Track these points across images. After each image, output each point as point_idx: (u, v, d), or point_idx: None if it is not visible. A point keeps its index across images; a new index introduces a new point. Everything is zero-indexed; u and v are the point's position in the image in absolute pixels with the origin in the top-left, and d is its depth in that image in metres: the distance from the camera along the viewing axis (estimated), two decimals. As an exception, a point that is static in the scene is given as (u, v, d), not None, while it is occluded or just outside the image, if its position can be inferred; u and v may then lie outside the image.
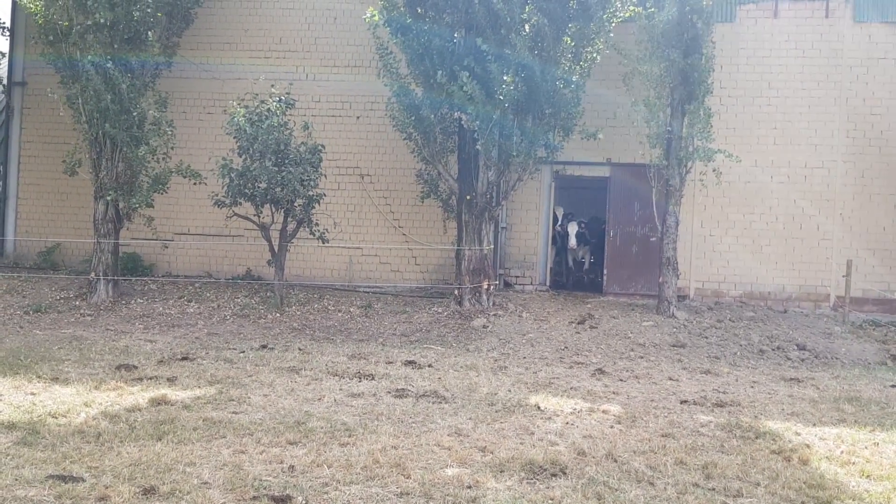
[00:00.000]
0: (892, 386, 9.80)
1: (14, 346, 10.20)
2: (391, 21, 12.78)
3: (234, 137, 13.01)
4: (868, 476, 6.14)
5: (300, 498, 5.19)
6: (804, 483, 5.86)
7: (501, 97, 12.12)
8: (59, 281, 14.46)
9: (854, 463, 6.43)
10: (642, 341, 11.82)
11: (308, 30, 15.61)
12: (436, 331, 12.32)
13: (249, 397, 7.83)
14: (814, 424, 7.67)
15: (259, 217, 13.21)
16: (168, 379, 8.50)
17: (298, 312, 13.24)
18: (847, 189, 14.48)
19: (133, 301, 13.60)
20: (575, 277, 16.52)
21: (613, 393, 8.76)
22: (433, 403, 7.86)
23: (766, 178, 14.62)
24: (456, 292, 13.66)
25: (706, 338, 12.17)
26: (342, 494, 5.29)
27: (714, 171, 13.24)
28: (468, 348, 11.27)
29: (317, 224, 13.53)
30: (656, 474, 5.94)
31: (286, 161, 12.85)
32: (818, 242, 14.52)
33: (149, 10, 13.12)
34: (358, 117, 15.46)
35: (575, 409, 7.85)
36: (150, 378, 8.52)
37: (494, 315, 12.95)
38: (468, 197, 13.35)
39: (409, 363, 9.91)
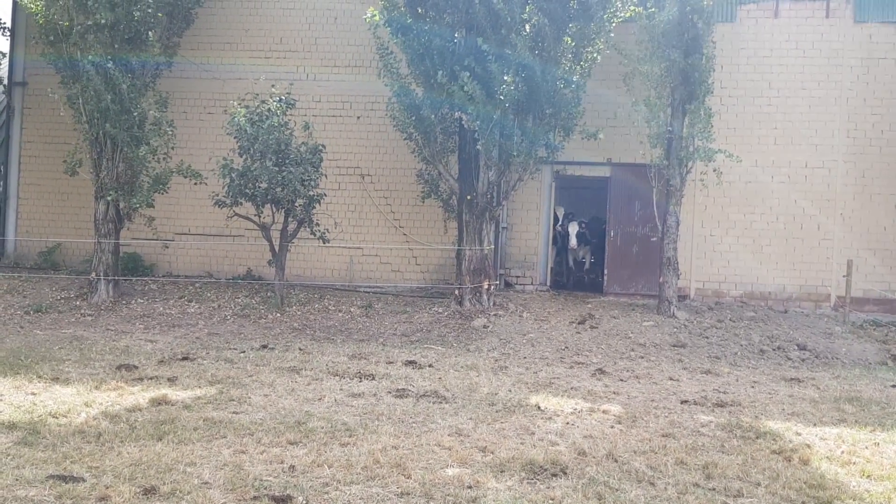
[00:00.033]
0: (893, 386, 9.80)
1: (15, 345, 10.20)
2: (392, 21, 12.78)
3: (235, 137, 13.02)
4: (869, 476, 6.13)
5: (301, 498, 5.19)
6: (805, 483, 5.86)
7: (502, 97, 12.12)
8: (60, 281, 14.46)
9: (855, 463, 6.43)
10: (643, 341, 11.82)
11: (308, 30, 15.61)
12: (436, 331, 12.32)
13: (250, 397, 7.83)
14: (814, 424, 7.67)
15: (260, 217, 13.21)
16: (168, 379, 8.50)
17: (299, 312, 13.24)
18: (847, 189, 14.48)
19: (133, 301, 13.61)
20: (575, 277, 16.52)
21: (614, 393, 8.76)
22: (434, 403, 7.86)
23: (767, 177, 14.62)
24: (456, 292, 13.66)
25: (707, 338, 12.16)
26: (343, 494, 5.29)
27: (714, 171, 13.23)
28: (469, 348, 11.27)
29: (317, 224, 13.53)
30: (657, 474, 5.94)
31: (287, 161, 12.85)
32: (819, 242, 14.52)
33: (149, 11, 13.12)
34: (358, 117, 15.46)
35: (575, 409, 7.85)
36: (151, 378, 8.52)
37: (495, 315, 12.95)
38: (469, 197, 13.35)
39: (410, 363, 9.91)
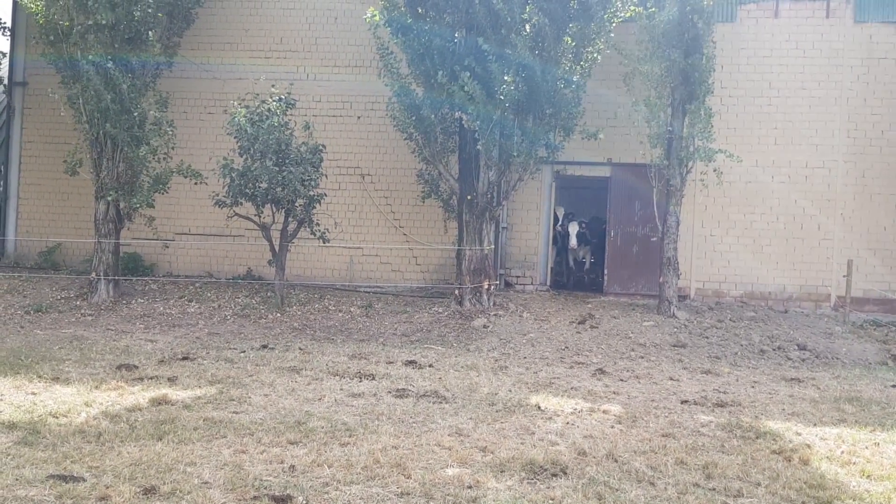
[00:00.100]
0: (893, 386, 9.79)
1: (15, 345, 10.21)
2: (392, 21, 12.79)
3: (235, 137, 13.02)
4: (869, 476, 6.13)
5: (301, 498, 5.19)
6: (805, 483, 5.85)
7: (502, 97, 12.12)
8: (60, 281, 14.47)
9: (855, 463, 6.43)
10: (643, 341, 11.82)
11: (309, 30, 15.62)
12: (436, 331, 12.32)
13: (250, 397, 7.83)
14: (814, 424, 7.67)
15: (260, 217, 13.21)
16: (169, 379, 8.50)
17: (299, 312, 13.24)
18: (848, 189, 14.48)
19: (134, 301, 13.61)
20: (576, 277, 16.52)
21: (614, 393, 8.76)
22: (434, 403, 7.86)
23: (767, 177, 14.62)
24: (456, 292, 13.66)
25: (707, 338, 12.16)
26: (343, 494, 5.29)
27: (715, 170, 13.23)
28: (469, 348, 11.27)
29: (317, 224, 13.53)
30: (657, 474, 5.94)
31: (287, 161, 12.86)
32: (819, 242, 14.52)
33: (149, 11, 13.11)
34: (359, 117, 15.46)
35: (575, 409, 7.85)
36: (151, 378, 8.52)
37: (495, 315, 12.95)
38: (469, 197, 13.35)
39: (410, 363, 9.91)
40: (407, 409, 7.60)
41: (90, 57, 12.92)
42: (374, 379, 8.90)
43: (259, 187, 12.76)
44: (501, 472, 5.85)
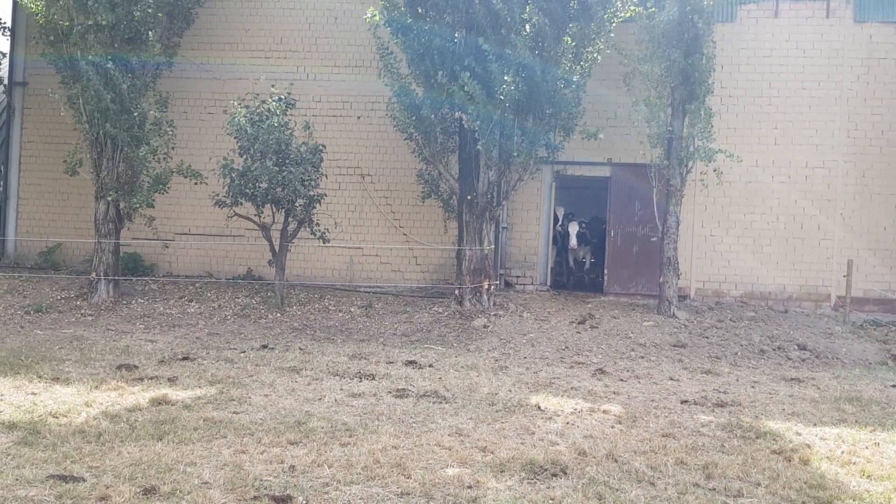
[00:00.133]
0: (893, 386, 9.79)
1: (15, 345, 10.21)
2: (392, 21, 12.79)
3: (235, 137, 13.02)
4: (869, 476, 6.13)
5: (301, 498, 5.19)
6: (805, 483, 5.85)
7: (502, 97, 12.12)
8: (60, 281, 14.47)
9: (855, 463, 6.43)
10: (643, 341, 11.82)
11: (309, 30, 15.62)
12: (436, 331, 12.32)
13: (250, 397, 7.83)
14: (814, 424, 7.67)
15: (260, 217, 13.21)
16: (169, 379, 8.50)
17: (299, 312, 13.24)
18: (848, 189, 14.48)
19: (134, 301, 13.61)
20: (576, 277, 16.52)
21: (614, 393, 8.76)
22: (434, 403, 7.86)
23: (767, 177, 14.62)
24: (457, 292, 13.66)
25: (707, 338, 12.16)
26: (343, 494, 5.29)
27: (715, 170, 13.23)
28: (469, 348, 11.27)
29: (318, 224, 13.53)
30: (657, 474, 5.94)
31: (287, 161, 12.86)
32: (819, 242, 14.52)
33: (149, 11, 13.11)
34: (359, 117, 15.46)
35: (575, 409, 7.85)
36: (151, 378, 8.52)
37: (495, 315, 12.95)
38: (469, 197, 13.35)
39: (410, 363, 9.91)
40: (407, 409, 7.60)
41: (90, 57, 12.92)
42: (374, 379, 8.90)
43: (259, 187, 12.76)
44: (501, 472, 5.85)
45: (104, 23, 12.80)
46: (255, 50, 15.61)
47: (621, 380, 9.55)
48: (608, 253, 15.15)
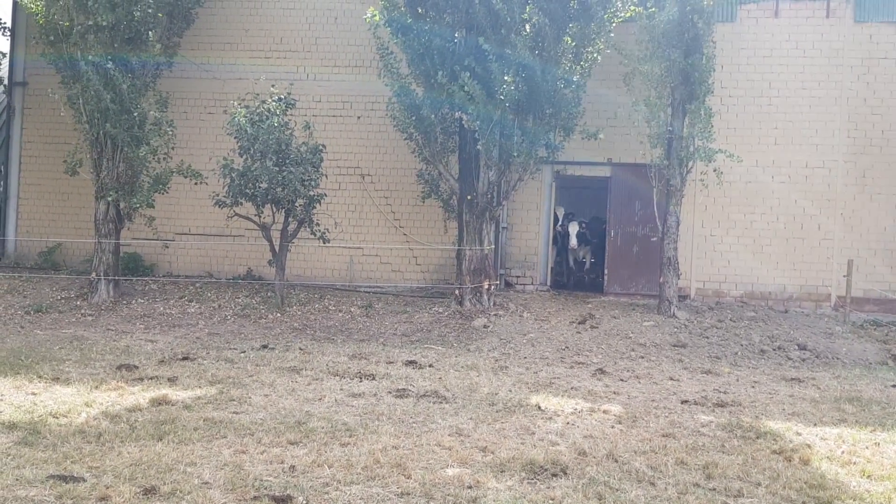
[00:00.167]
0: (893, 386, 9.79)
1: (15, 346, 10.20)
2: (392, 21, 12.79)
3: (235, 137, 13.02)
4: (869, 476, 6.13)
5: (301, 498, 5.19)
6: (805, 483, 5.85)
7: (502, 97, 12.12)
8: (60, 281, 14.46)
9: (855, 463, 6.43)
10: (643, 341, 11.82)
11: (309, 30, 15.61)
12: (436, 331, 12.32)
13: (250, 397, 7.83)
14: (815, 424, 7.67)
15: (260, 217, 13.21)
16: (169, 379, 8.50)
17: (299, 312, 13.24)
18: (848, 189, 14.48)
19: (134, 301, 13.61)
20: (576, 277, 16.52)
21: (614, 393, 8.76)
22: (434, 403, 7.86)
23: (767, 177, 14.61)
24: (457, 292, 13.66)
25: (707, 338, 12.16)
26: (343, 494, 5.29)
27: (715, 170, 13.23)
28: (469, 348, 11.27)
29: (318, 224, 13.53)
30: (657, 474, 5.94)
31: (287, 161, 12.86)
32: (819, 242, 14.51)
33: (149, 11, 13.11)
34: (359, 117, 15.46)
35: (576, 409, 7.85)
36: (151, 378, 8.52)
37: (495, 315, 12.95)
38: (469, 197, 13.35)
39: (410, 363, 9.91)
40: (407, 409, 7.60)
41: (90, 57, 12.92)
42: (374, 379, 8.90)
43: (259, 187, 12.76)
44: (501, 472, 5.84)
45: (104, 23, 12.80)
46: (255, 50, 15.61)
47: (621, 380, 9.55)
48: (608, 253, 15.15)
